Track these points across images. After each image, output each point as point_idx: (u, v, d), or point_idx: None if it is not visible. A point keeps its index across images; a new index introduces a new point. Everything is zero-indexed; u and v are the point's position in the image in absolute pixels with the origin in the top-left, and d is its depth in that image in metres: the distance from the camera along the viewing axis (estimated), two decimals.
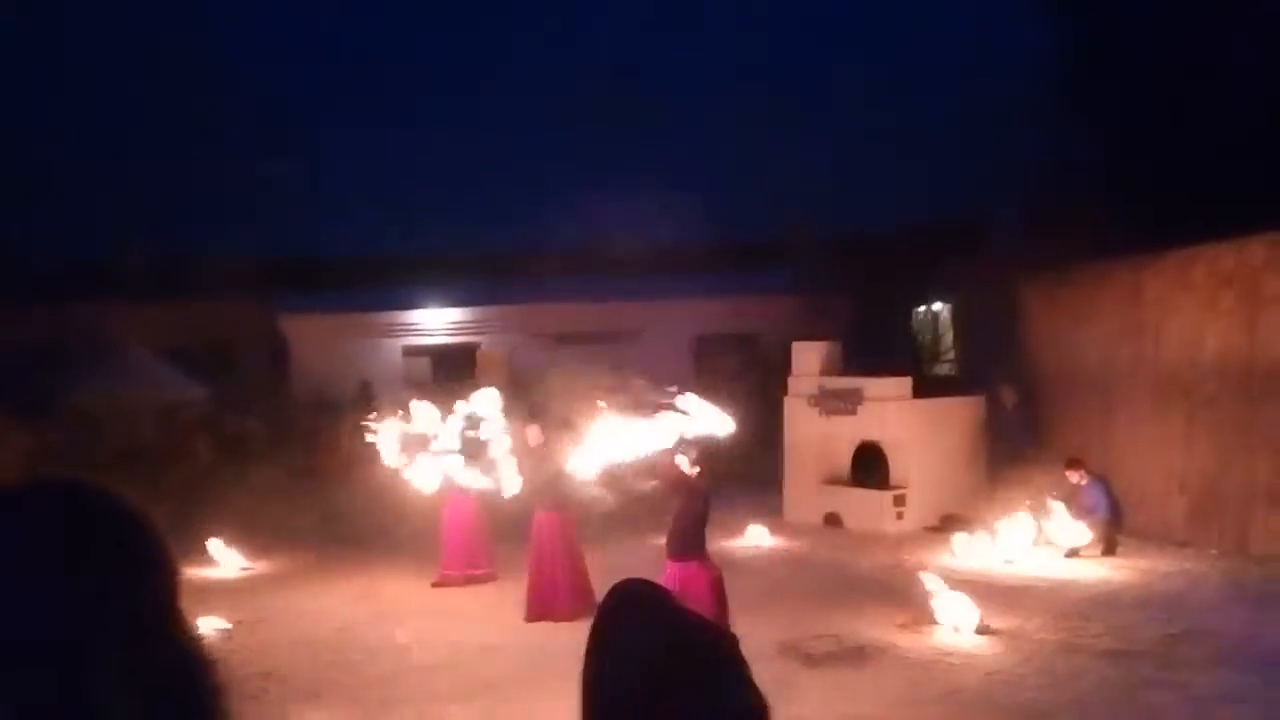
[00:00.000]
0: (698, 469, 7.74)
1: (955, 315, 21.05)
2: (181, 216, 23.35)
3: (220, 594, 10.82)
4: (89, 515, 1.27)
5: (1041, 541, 11.73)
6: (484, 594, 10.86)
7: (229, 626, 9.69)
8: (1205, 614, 8.99)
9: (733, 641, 1.79)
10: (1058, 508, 11.66)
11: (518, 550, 10.56)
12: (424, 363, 22.29)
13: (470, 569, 11.35)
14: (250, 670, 8.33)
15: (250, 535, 13.29)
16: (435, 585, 11.24)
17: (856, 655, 8.22)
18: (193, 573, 12.21)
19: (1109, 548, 11.47)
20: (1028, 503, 12.00)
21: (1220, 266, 11.66)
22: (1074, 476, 11.91)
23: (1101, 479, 11.96)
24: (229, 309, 20.64)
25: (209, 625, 9.51)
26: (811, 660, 8.06)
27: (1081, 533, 11.48)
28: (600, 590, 8.40)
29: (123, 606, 1.23)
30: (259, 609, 10.40)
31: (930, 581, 9.12)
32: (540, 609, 9.76)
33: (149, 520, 1.36)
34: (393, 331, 22.25)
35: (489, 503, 11.14)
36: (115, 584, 1.24)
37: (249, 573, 12.43)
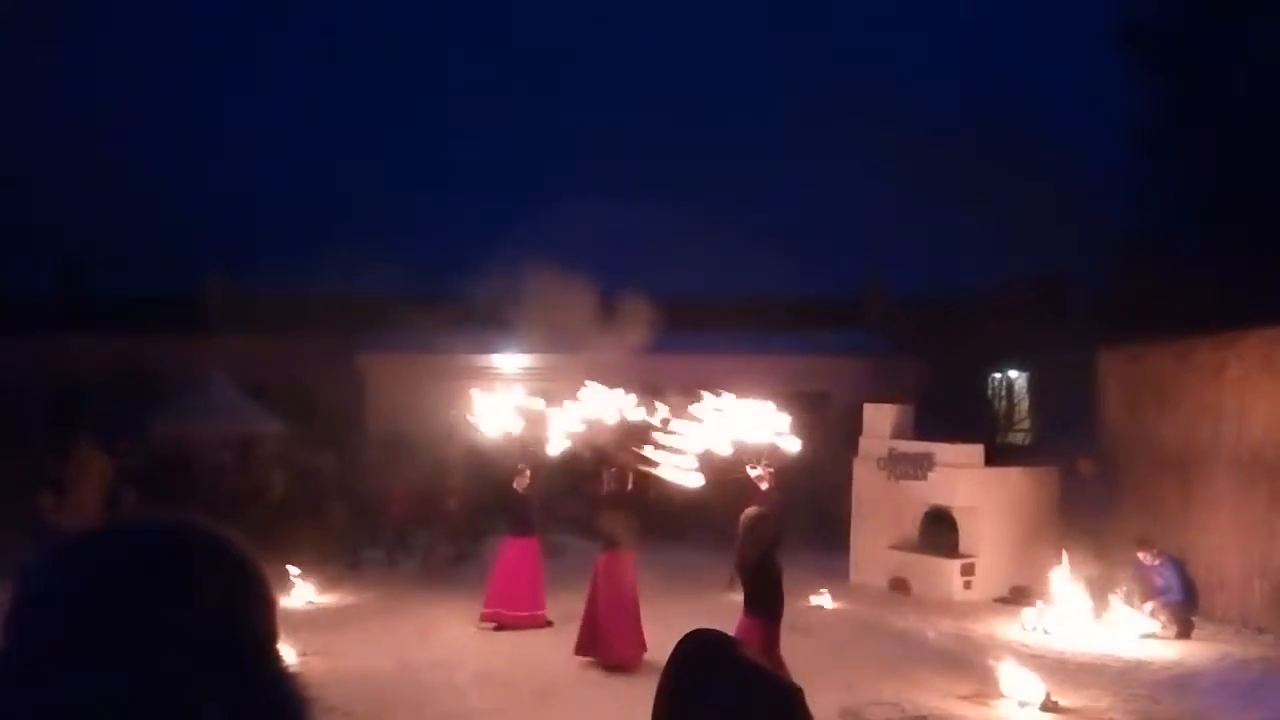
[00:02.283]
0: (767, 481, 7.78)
1: (1032, 383, 20.79)
2: (267, 251, 23.96)
3: (288, 626, 10.98)
4: (197, 551, 1.30)
5: (1111, 620, 11.48)
6: (542, 637, 10.91)
7: (296, 658, 9.84)
8: None
9: (799, 696, 1.84)
10: (1124, 595, 11.43)
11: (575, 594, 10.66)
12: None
13: (531, 611, 11.47)
14: (318, 705, 8.44)
15: (319, 569, 13.50)
16: (492, 625, 11.31)
17: None
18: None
19: (1183, 630, 11.17)
20: (1098, 580, 11.77)
21: None
22: (1145, 556, 11.65)
23: (1175, 560, 11.67)
24: (309, 345, 21.11)
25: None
26: None
27: (1148, 619, 11.20)
28: (663, 637, 8.47)
29: (231, 642, 1.26)
30: (324, 643, 10.55)
31: (998, 657, 8.99)
32: (588, 646, 9.86)
33: (252, 556, 1.43)
34: (470, 374, 22.55)
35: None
36: (223, 619, 1.26)
37: (317, 606, 12.61)
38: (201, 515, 1.47)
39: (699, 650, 1.90)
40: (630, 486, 10.43)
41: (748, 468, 8.08)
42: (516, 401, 11.80)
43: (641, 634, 9.88)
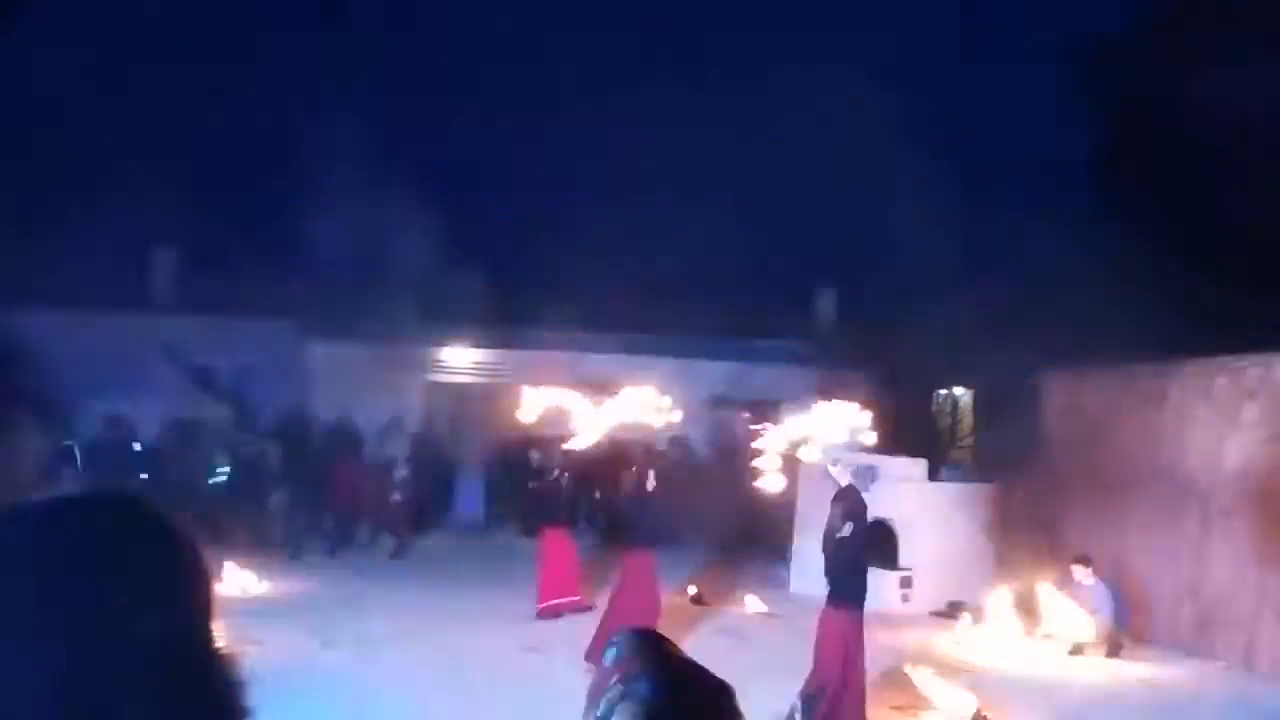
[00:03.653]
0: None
1: (976, 402, 21.06)
2: (216, 235, 23.62)
3: (226, 615, 10.85)
4: (133, 528, 1.26)
5: (1044, 635, 11.69)
6: (487, 627, 10.89)
7: (234, 648, 9.73)
8: None
9: (730, 694, 1.87)
10: (1062, 602, 11.62)
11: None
12: (445, 400, 22.45)
13: (571, 598, 11.84)
14: (255, 693, 8.37)
15: (259, 557, 13.38)
16: (541, 615, 11.66)
17: None
18: None
19: (1112, 649, 11.40)
20: (1033, 597, 11.98)
21: (1244, 380, 11.69)
22: (1080, 574, 11.86)
23: (1109, 581, 11.90)
24: (258, 331, 20.86)
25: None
26: None
27: (1084, 628, 11.41)
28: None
29: (165, 622, 1.28)
30: (260, 632, 10.43)
31: (921, 673, 9.14)
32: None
33: (188, 535, 1.40)
34: (418, 366, 22.42)
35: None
36: (158, 598, 1.23)
37: (254, 595, 12.49)
38: (137, 494, 1.46)
39: (630, 650, 1.92)
40: (653, 486, 10.42)
41: (829, 465, 8.48)
42: (557, 397, 11.84)
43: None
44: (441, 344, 22.45)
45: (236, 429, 17.92)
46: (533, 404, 11.74)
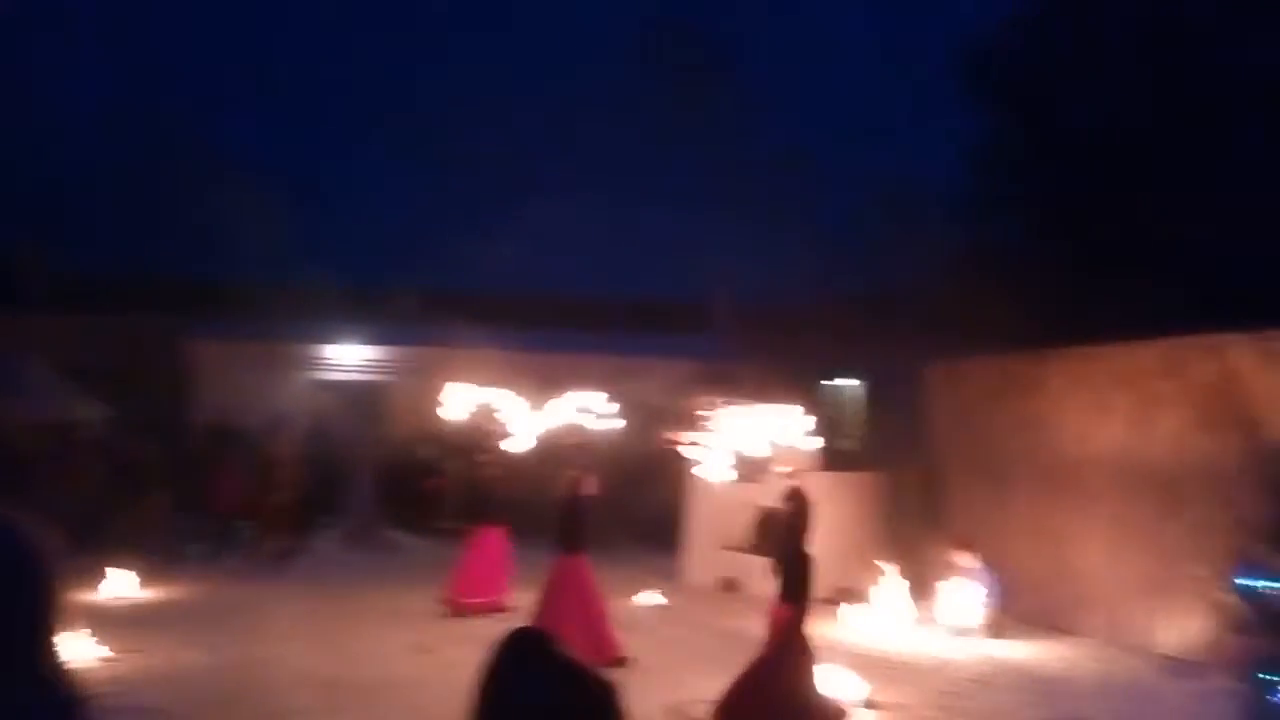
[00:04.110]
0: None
1: (864, 393, 21.48)
2: (91, 233, 22.85)
3: (104, 621, 10.53)
4: None
5: (930, 619, 12.02)
6: (370, 634, 10.73)
7: (111, 655, 9.44)
8: (1079, 700, 9.26)
9: (614, 693, 1.87)
10: (947, 587, 11.94)
11: None
12: (332, 398, 22.03)
13: (496, 596, 11.79)
14: (126, 701, 8.12)
15: (139, 562, 12.97)
16: (453, 613, 11.54)
17: None
18: (78, 598, 11.88)
19: (994, 630, 11.75)
20: (918, 582, 12.30)
21: (1115, 367, 12.16)
22: (963, 558, 12.20)
23: (990, 565, 12.25)
24: (134, 330, 20.20)
25: (91, 653, 9.27)
26: None
27: (968, 614, 11.75)
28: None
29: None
30: (141, 640, 10.12)
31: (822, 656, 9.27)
32: None
33: (33, 542, 1.33)
34: (302, 364, 21.98)
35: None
36: None
37: (134, 602, 12.11)
38: (10, 502, 1.40)
39: (518, 646, 1.92)
40: (584, 491, 10.41)
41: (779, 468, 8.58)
42: (487, 396, 11.69)
43: (611, 635, 9.97)
44: (325, 342, 22.05)
45: (113, 430, 17.30)
46: (459, 402, 11.67)
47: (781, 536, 8.15)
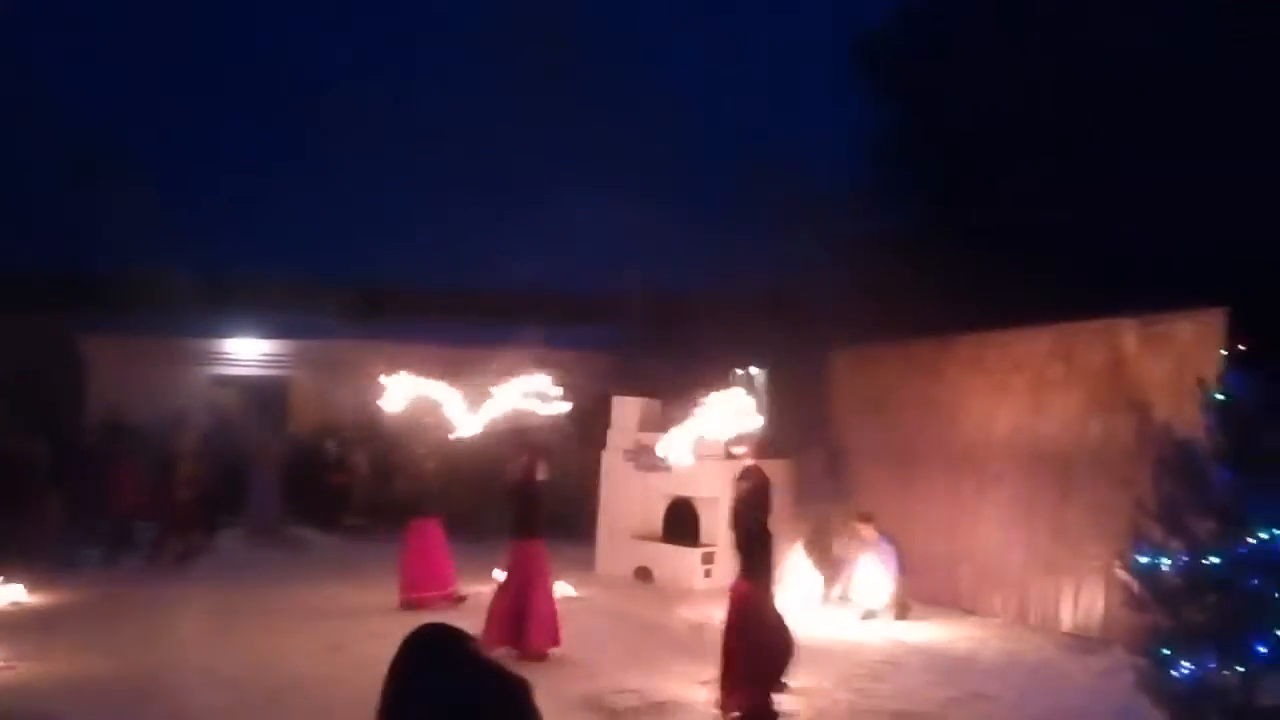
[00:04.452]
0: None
1: (769, 381, 21.71)
2: None
3: None
4: None
5: (838, 601, 12.25)
6: (275, 636, 10.53)
7: (3, 664, 9.10)
8: (984, 679, 9.51)
9: (527, 689, 1.86)
10: (862, 564, 12.16)
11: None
12: (232, 393, 21.54)
13: (443, 590, 11.86)
14: (23, 710, 7.84)
15: (29, 567, 12.52)
16: (405, 607, 11.47)
17: (658, 711, 8.33)
18: None
19: (901, 611, 12.00)
20: (826, 566, 12.52)
21: (1011, 352, 12.50)
22: (865, 531, 12.43)
23: (890, 538, 12.44)
24: (22, 326, 19.45)
25: None
26: (614, 715, 8.12)
27: (879, 592, 11.97)
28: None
29: None
30: (33, 647, 9.77)
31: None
32: (509, 636, 9.72)
33: None
34: (201, 359, 21.44)
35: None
36: None
37: (24, 608, 11.68)
38: None
39: (428, 642, 1.89)
40: (535, 476, 10.33)
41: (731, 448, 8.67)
42: (423, 386, 11.52)
43: (558, 624, 9.97)
44: (225, 336, 21.53)
45: (0, 430, 16.64)
46: (398, 392, 11.59)
47: (741, 514, 8.26)
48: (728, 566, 13.66)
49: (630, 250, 21.80)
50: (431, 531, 12.17)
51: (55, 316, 19.78)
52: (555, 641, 9.95)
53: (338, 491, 18.94)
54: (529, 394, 11.49)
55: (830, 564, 12.85)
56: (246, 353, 21.82)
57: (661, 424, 14.95)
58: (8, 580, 11.97)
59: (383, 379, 11.76)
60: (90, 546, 14.68)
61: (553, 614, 10.04)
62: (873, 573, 12.15)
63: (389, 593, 12.14)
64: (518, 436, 11.03)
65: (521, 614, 9.84)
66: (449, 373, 12.15)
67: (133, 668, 9.25)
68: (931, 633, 11.48)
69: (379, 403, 11.85)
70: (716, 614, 11.97)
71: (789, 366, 18.01)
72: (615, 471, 14.88)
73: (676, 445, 8.95)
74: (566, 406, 11.75)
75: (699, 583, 13.62)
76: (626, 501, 14.63)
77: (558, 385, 11.60)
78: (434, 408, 11.81)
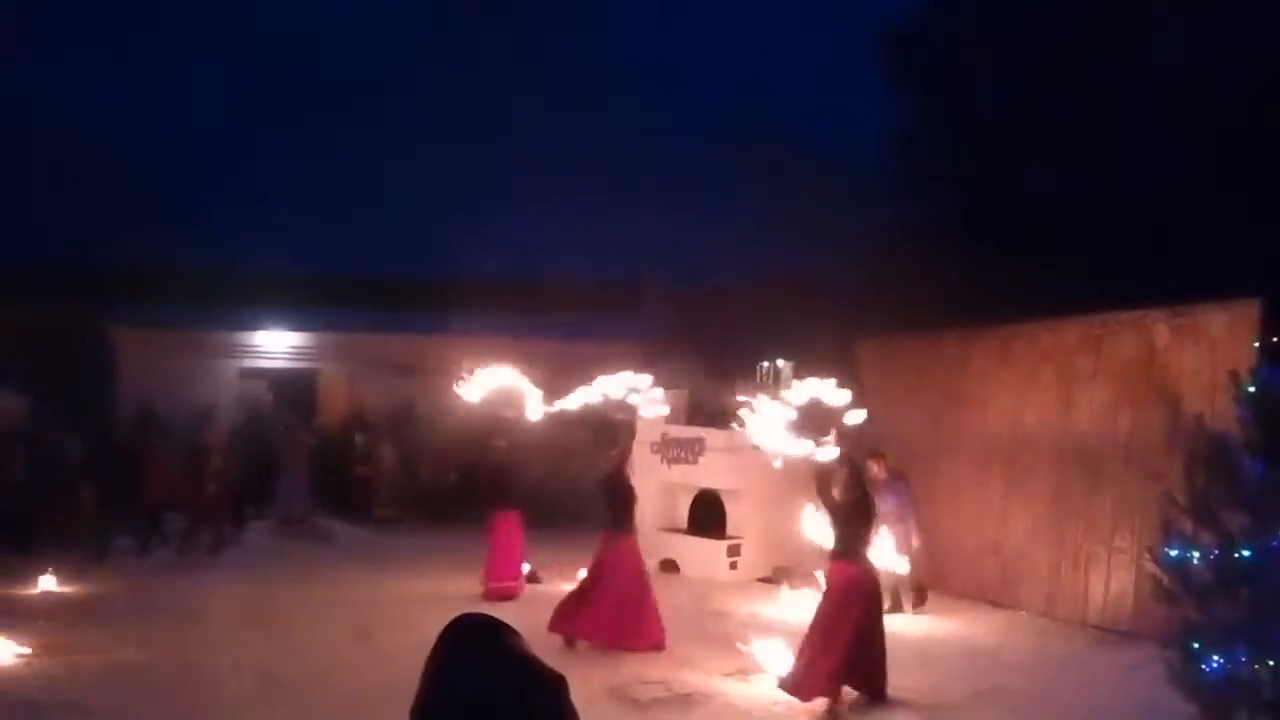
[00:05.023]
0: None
1: (795, 373, 21.62)
2: (8, 216, 22.18)
3: (30, 618, 10.29)
4: None
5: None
6: (305, 628, 10.61)
7: (29, 652, 9.22)
8: (1012, 672, 9.46)
9: (562, 685, 1.85)
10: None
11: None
12: (261, 385, 21.70)
13: (518, 580, 12.21)
14: (51, 699, 7.95)
15: (64, 557, 12.68)
16: (495, 597, 11.56)
17: (683, 702, 8.34)
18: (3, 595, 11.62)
19: (920, 598, 11.86)
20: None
21: (1039, 345, 12.40)
22: (874, 468, 11.90)
23: (902, 477, 12.07)
24: (56, 318, 19.66)
25: (9, 650, 9.06)
26: (639, 706, 8.14)
27: (899, 559, 11.42)
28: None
29: None
30: (65, 636, 9.90)
31: (761, 635, 9.40)
32: (587, 628, 9.90)
33: None
34: (230, 352, 21.60)
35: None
36: None
37: (58, 597, 11.83)
38: None
39: (465, 632, 1.89)
40: (625, 470, 10.56)
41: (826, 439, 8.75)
42: (505, 377, 11.84)
43: (658, 616, 10.04)
44: (254, 329, 21.68)
45: (35, 422, 16.83)
46: (480, 384, 11.76)
47: (838, 500, 8.45)
48: (752, 559, 13.75)
49: (657, 243, 21.79)
50: (512, 522, 12.37)
51: (86, 309, 19.98)
52: (648, 637, 9.89)
53: (365, 483, 19.05)
54: (620, 389, 11.55)
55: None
56: (275, 345, 21.96)
57: (690, 417, 14.99)
58: (41, 570, 12.12)
59: (464, 370, 11.94)
60: (123, 537, 14.83)
61: (643, 607, 10.02)
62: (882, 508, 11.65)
63: (416, 583, 12.21)
64: (605, 431, 11.14)
65: (624, 608, 9.86)
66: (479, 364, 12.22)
67: (163, 657, 9.36)
68: (957, 627, 11.42)
69: (458, 393, 12.03)
70: (739, 604, 12.01)
71: (816, 359, 17.96)
72: (641, 463, 14.86)
73: (770, 432, 9.02)
74: (664, 406, 11.78)
75: (724, 575, 13.61)
76: (653, 494, 14.63)
77: (649, 380, 11.60)
78: (513, 399, 11.95)
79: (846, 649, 8.14)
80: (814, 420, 9.57)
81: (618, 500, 10.43)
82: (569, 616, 10.00)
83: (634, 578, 10.11)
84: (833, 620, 8.29)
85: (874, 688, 8.31)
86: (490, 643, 1.86)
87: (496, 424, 12.80)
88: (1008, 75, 19.10)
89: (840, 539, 8.51)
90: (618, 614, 9.85)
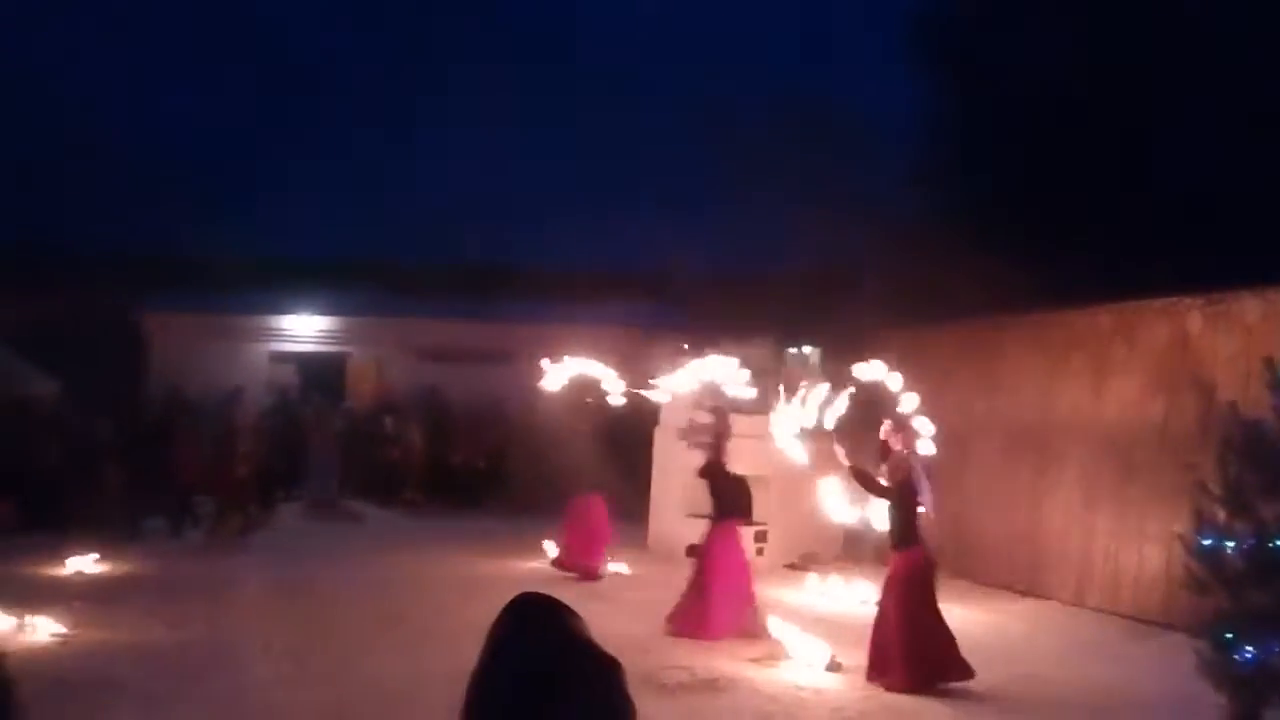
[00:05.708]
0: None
1: (823, 360, 21.53)
2: (41, 203, 22.43)
3: (61, 598, 10.41)
4: None
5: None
6: (337, 609, 10.68)
7: (66, 631, 9.33)
8: (1042, 661, 9.39)
9: (618, 669, 1.85)
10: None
11: None
12: (290, 369, 21.85)
13: (596, 560, 12.53)
14: (86, 677, 8.04)
15: (96, 538, 12.81)
16: (561, 567, 12.28)
17: (709, 687, 8.34)
18: (33, 573, 11.74)
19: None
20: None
21: (1072, 331, 12.28)
22: (892, 439, 11.81)
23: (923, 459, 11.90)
24: (87, 302, 19.86)
25: (50, 630, 9.18)
26: (665, 691, 8.14)
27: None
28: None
29: None
30: (98, 616, 10.01)
31: (778, 623, 9.36)
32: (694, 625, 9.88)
33: None
34: (259, 336, 21.74)
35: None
36: None
37: (91, 578, 11.96)
38: None
39: (526, 610, 1.90)
40: (724, 459, 10.60)
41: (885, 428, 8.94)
42: (585, 366, 12.26)
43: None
44: (283, 313, 21.81)
45: (67, 405, 17.02)
46: (561, 372, 11.94)
47: (887, 486, 8.67)
48: (779, 546, 13.71)
49: (683, 228, 21.76)
50: (598, 506, 12.67)
51: (117, 295, 20.16)
52: (747, 625, 9.88)
53: (394, 467, 19.16)
54: (713, 376, 11.60)
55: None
56: (305, 329, 22.08)
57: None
58: (75, 551, 12.25)
59: (545, 360, 12.04)
60: (154, 519, 14.98)
61: (742, 596, 10.03)
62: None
63: (446, 566, 12.27)
64: (703, 421, 11.21)
65: (728, 597, 9.89)
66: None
67: (195, 637, 9.45)
68: (987, 615, 11.34)
69: (540, 383, 12.21)
70: (765, 589, 11.97)
71: (845, 345, 17.87)
72: (668, 449, 14.86)
73: (789, 438, 9.10)
74: (751, 390, 11.80)
75: (751, 560, 13.56)
76: (679, 479, 14.60)
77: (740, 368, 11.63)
78: (592, 386, 12.17)
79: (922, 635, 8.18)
80: (871, 407, 9.60)
81: (717, 489, 10.41)
82: (697, 617, 9.92)
83: (737, 568, 10.12)
84: (908, 609, 8.32)
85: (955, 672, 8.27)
86: (549, 621, 1.87)
87: (580, 410, 12.97)
88: (1038, 57, 18.86)
89: (895, 524, 8.53)
90: (723, 604, 9.85)
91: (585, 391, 12.51)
